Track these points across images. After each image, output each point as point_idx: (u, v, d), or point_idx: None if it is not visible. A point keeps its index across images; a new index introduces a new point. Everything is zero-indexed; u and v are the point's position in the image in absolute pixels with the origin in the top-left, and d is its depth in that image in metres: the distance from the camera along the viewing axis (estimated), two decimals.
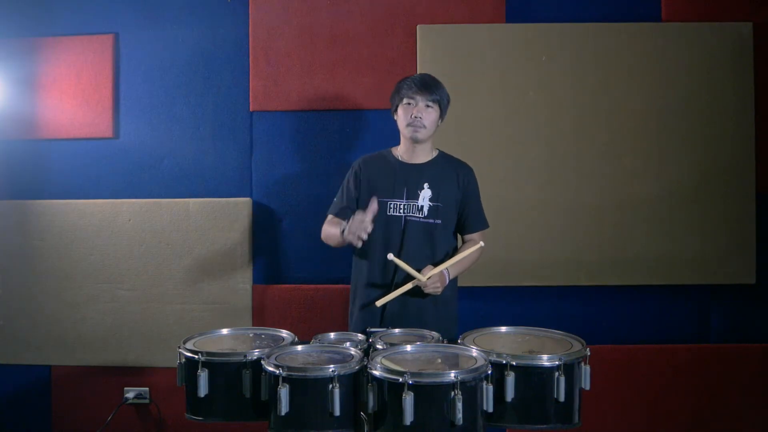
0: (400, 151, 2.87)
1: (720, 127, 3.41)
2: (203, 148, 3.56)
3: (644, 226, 3.43)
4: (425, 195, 2.78)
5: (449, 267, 2.75)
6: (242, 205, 3.51)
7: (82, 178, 3.58)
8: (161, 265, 3.53)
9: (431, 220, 2.78)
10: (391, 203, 2.79)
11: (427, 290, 2.68)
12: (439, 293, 2.73)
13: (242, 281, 3.51)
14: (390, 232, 2.78)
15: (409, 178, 2.80)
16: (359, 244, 2.65)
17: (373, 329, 2.51)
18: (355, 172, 2.90)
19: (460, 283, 3.35)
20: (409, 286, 2.66)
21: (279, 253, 3.55)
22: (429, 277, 2.66)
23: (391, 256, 2.63)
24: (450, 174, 2.85)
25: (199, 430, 2.64)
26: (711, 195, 3.42)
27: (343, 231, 2.67)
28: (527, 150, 3.44)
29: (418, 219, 2.78)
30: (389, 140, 3.39)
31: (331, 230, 2.84)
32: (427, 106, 2.74)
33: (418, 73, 3.18)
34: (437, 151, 2.90)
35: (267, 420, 2.08)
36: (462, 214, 2.87)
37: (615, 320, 3.51)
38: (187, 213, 3.52)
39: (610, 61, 3.43)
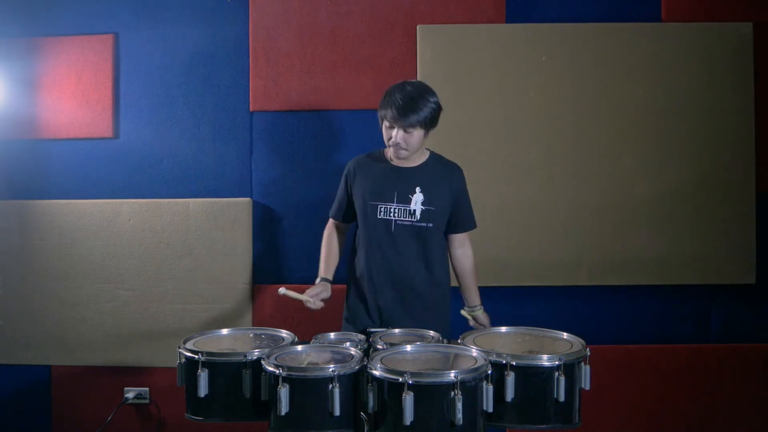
0: (387, 147, 2.82)
1: (720, 127, 3.41)
2: (203, 148, 3.57)
3: (644, 226, 3.43)
4: (417, 199, 2.76)
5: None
6: (242, 205, 3.51)
7: (82, 178, 3.58)
8: (161, 265, 3.53)
9: (423, 224, 2.76)
10: (382, 206, 2.77)
11: None
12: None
13: (242, 281, 3.51)
14: (380, 235, 2.77)
15: (400, 182, 2.78)
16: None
17: (373, 329, 2.51)
18: (346, 175, 2.90)
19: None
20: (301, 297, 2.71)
21: (279, 253, 3.55)
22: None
23: (282, 291, 2.68)
24: (442, 177, 2.82)
25: (199, 430, 2.64)
26: (711, 195, 3.42)
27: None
28: (527, 150, 3.44)
29: (410, 222, 2.76)
30: None
31: (322, 248, 2.95)
32: (406, 132, 2.66)
33: (417, 79, 3.20)
34: (428, 153, 2.86)
35: (267, 420, 2.08)
36: (452, 215, 2.86)
37: (615, 320, 3.51)
38: (187, 213, 3.52)
39: (610, 61, 3.43)
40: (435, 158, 2.87)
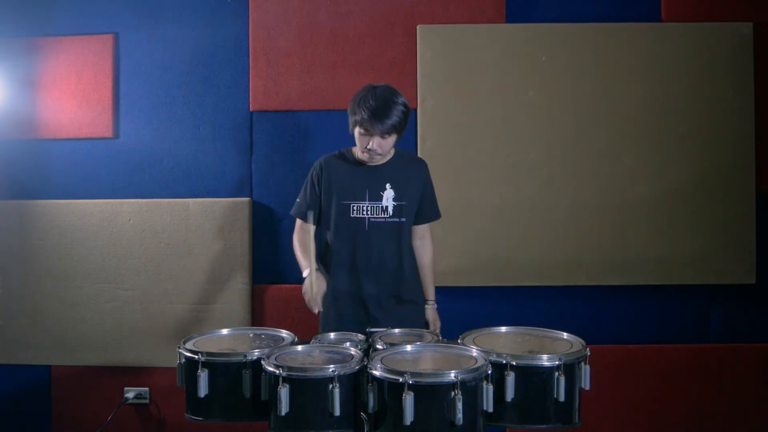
0: (360, 151, 2.82)
1: (720, 127, 3.41)
2: (203, 148, 3.57)
3: (644, 226, 3.43)
4: (388, 195, 2.79)
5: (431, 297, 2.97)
6: (242, 205, 3.51)
7: (82, 178, 3.58)
8: (161, 265, 3.53)
9: (397, 219, 2.80)
10: (354, 205, 2.80)
11: None
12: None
13: (242, 281, 3.51)
14: (354, 233, 2.80)
15: (370, 180, 2.81)
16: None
17: (372, 329, 2.51)
18: (316, 174, 2.89)
19: (460, 284, 3.37)
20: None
21: (279, 253, 3.55)
22: None
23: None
24: (410, 172, 2.87)
25: (199, 430, 2.64)
26: (711, 195, 3.42)
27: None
28: (527, 150, 3.44)
29: (383, 219, 2.80)
30: None
31: (296, 251, 2.92)
32: (382, 138, 2.68)
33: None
34: (394, 149, 2.88)
35: (267, 420, 2.08)
36: (418, 207, 2.90)
37: (615, 320, 3.51)
38: (187, 213, 3.52)
39: (610, 61, 3.43)
40: (400, 154, 2.91)
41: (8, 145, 3.58)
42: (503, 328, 2.46)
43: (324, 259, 2.91)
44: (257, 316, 3.53)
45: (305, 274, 2.78)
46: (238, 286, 3.51)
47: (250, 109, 3.54)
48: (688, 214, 3.42)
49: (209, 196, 3.54)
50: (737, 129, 3.41)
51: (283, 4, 3.51)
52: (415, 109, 3.44)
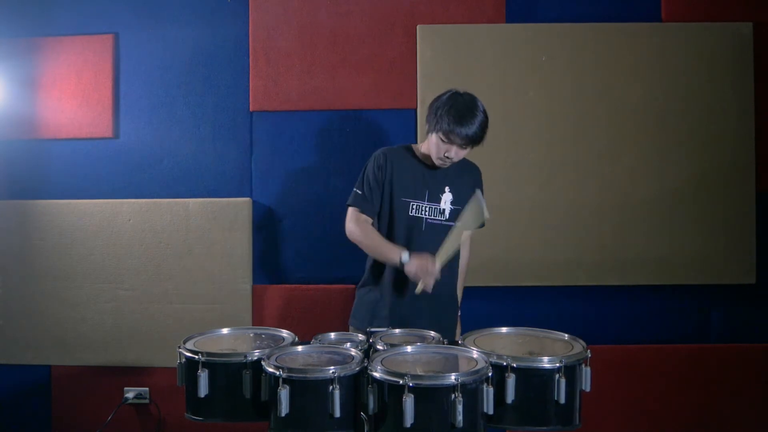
0: (423, 153, 2.83)
1: (720, 127, 3.41)
2: (203, 148, 3.56)
3: (644, 226, 3.43)
4: (447, 199, 2.79)
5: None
6: (242, 205, 3.51)
7: (82, 178, 3.58)
8: (161, 265, 3.53)
9: (452, 223, 2.76)
10: (414, 204, 2.78)
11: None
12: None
13: (242, 281, 3.51)
14: (410, 232, 2.78)
15: (431, 181, 2.80)
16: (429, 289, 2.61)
17: (373, 329, 2.50)
18: (379, 166, 2.80)
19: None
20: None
21: (279, 253, 3.55)
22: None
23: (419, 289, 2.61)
24: (467, 177, 2.88)
25: (199, 430, 2.64)
26: (711, 195, 3.42)
27: (402, 263, 2.64)
28: (527, 150, 3.44)
29: (440, 222, 2.79)
30: (389, 140, 3.41)
31: (373, 240, 2.75)
32: (462, 148, 2.70)
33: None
34: None
35: (267, 421, 2.08)
36: None
37: (615, 320, 3.51)
38: (187, 213, 3.52)
39: (610, 61, 3.43)
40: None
41: (8, 145, 3.58)
42: (504, 329, 2.46)
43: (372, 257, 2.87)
44: (257, 316, 3.53)
45: (405, 257, 2.64)
46: (238, 286, 3.51)
47: (250, 109, 3.54)
48: (688, 214, 3.42)
49: (209, 196, 3.54)
50: (737, 129, 3.41)
51: (283, 4, 3.50)
52: (415, 109, 3.44)
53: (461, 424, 1.91)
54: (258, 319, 3.51)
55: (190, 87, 3.56)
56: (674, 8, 3.44)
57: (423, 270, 2.59)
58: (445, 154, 2.70)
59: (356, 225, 2.78)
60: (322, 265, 3.50)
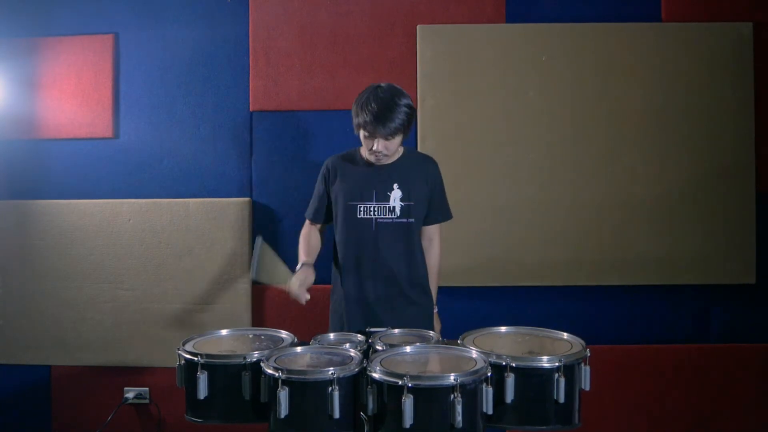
0: (367, 152, 2.80)
1: (720, 127, 3.41)
2: (203, 148, 3.57)
3: (644, 226, 3.43)
4: (396, 196, 2.77)
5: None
6: (242, 205, 3.51)
7: (82, 178, 3.58)
8: (161, 265, 3.53)
9: (404, 220, 2.77)
10: (361, 206, 2.78)
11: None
12: None
13: (242, 281, 3.51)
14: (361, 234, 2.78)
15: (377, 180, 2.79)
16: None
17: (372, 329, 2.50)
18: (323, 175, 2.89)
19: (460, 283, 3.36)
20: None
21: (279, 253, 3.52)
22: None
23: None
24: (418, 171, 2.84)
25: (198, 431, 2.64)
26: (711, 195, 3.42)
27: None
28: (527, 150, 3.44)
29: (390, 220, 2.77)
30: None
31: (299, 248, 2.93)
32: (387, 139, 2.66)
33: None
34: (403, 148, 2.85)
35: (267, 422, 2.08)
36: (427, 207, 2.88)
37: (615, 320, 3.51)
38: (186, 213, 3.52)
39: (610, 61, 3.42)
40: (409, 153, 2.89)
41: (8, 145, 3.58)
42: (503, 329, 2.46)
43: (335, 260, 2.91)
44: (257, 316, 3.53)
45: (297, 267, 2.81)
46: (238, 286, 3.51)
47: (250, 109, 3.54)
48: (688, 214, 3.42)
49: (209, 196, 3.54)
50: (737, 129, 3.41)
51: (283, 4, 3.50)
52: (415, 109, 3.44)
53: (461, 425, 1.90)
54: (257, 319, 3.52)
55: (190, 87, 3.56)
56: (674, 8, 3.44)
57: (292, 285, 2.75)
58: (372, 148, 2.69)
59: (301, 233, 2.97)
60: (322, 266, 3.49)
